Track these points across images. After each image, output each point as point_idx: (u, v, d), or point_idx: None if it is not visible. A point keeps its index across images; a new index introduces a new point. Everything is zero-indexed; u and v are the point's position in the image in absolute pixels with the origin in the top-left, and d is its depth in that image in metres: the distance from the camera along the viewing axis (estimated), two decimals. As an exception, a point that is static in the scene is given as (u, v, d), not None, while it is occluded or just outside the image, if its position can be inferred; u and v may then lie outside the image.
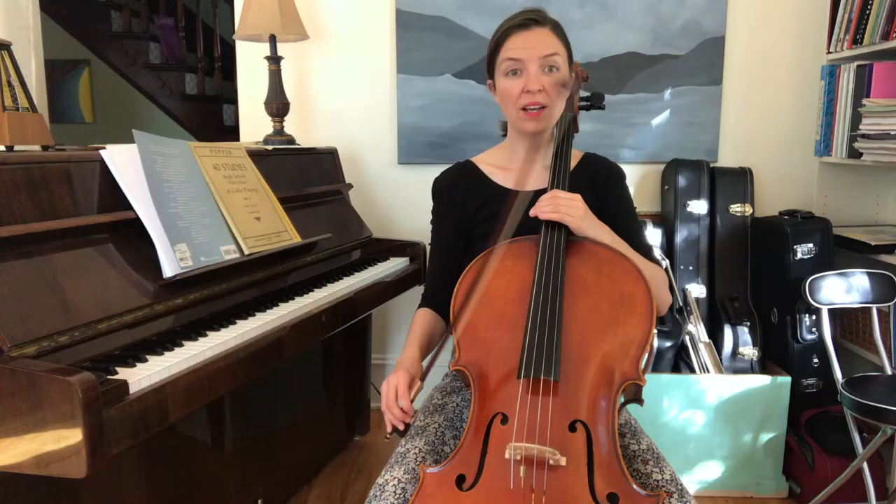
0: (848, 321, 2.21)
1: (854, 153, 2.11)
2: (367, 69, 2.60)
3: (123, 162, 1.39)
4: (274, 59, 2.28)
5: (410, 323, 1.41)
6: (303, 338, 1.55)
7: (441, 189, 1.46)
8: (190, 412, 1.19)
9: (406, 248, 2.29)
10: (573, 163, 1.42)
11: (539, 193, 1.40)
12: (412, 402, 1.19)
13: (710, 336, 2.27)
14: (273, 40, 2.26)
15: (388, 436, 1.22)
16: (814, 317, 2.08)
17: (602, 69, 2.48)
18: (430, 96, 2.55)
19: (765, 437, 2.08)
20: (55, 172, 1.27)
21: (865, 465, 1.78)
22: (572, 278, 1.20)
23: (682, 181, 2.39)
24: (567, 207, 1.22)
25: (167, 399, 1.13)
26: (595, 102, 1.49)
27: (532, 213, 1.25)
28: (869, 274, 1.90)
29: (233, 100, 3.02)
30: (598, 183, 1.41)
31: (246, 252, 1.58)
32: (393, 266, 2.14)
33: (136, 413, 1.07)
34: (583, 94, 1.48)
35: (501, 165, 1.45)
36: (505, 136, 1.51)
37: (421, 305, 1.43)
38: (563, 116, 1.41)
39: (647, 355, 1.14)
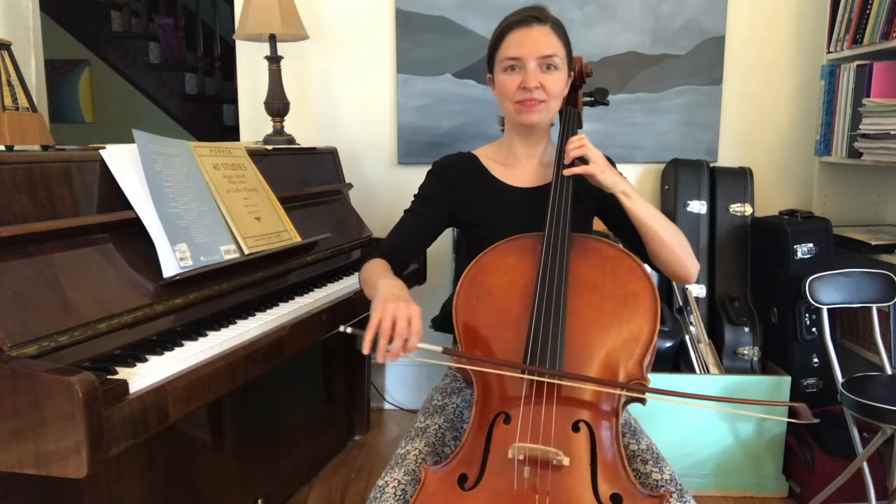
0: (848, 321, 2.21)
1: (854, 153, 2.11)
2: (367, 69, 2.60)
3: (123, 162, 1.39)
4: (274, 59, 2.28)
5: (370, 270, 1.32)
6: (303, 338, 1.55)
7: (441, 169, 1.45)
8: (190, 412, 1.19)
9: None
10: None
11: (537, 190, 1.40)
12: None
13: (710, 336, 2.27)
14: (273, 40, 2.26)
15: (369, 354, 1.09)
16: (814, 316, 2.08)
17: (602, 69, 2.48)
18: (430, 96, 2.55)
19: (765, 437, 2.08)
20: (55, 172, 1.27)
21: (865, 465, 1.78)
22: (576, 276, 1.20)
23: (682, 181, 2.39)
24: (594, 153, 1.28)
25: (167, 399, 1.13)
26: (599, 98, 1.49)
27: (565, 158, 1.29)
28: (869, 274, 1.90)
29: (233, 100, 3.01)
30: None
31: (246, 252, 1.58)
32: (393, 266, 2.14)
33: (136, 413, 1.06)
34: (585, 89, 1.48)
35: (499, 161, 1.45)
36: (503, 131, 1.51)
37: (372, 257, 1.38)
38: (568, 112, 1.41)
39: (650, 355, 1.14)
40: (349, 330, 1.09)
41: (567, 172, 1.28)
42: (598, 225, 1.49)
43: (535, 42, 1.29)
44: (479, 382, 1.14)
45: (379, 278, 1.23)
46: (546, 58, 1.30)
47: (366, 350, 1.06)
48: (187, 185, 1.50)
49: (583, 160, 1.27)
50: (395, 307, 1.08)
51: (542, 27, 1.30)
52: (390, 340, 1.06)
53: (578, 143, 1.27)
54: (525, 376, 1.09)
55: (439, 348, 1.10)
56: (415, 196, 1.45)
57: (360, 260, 2.17)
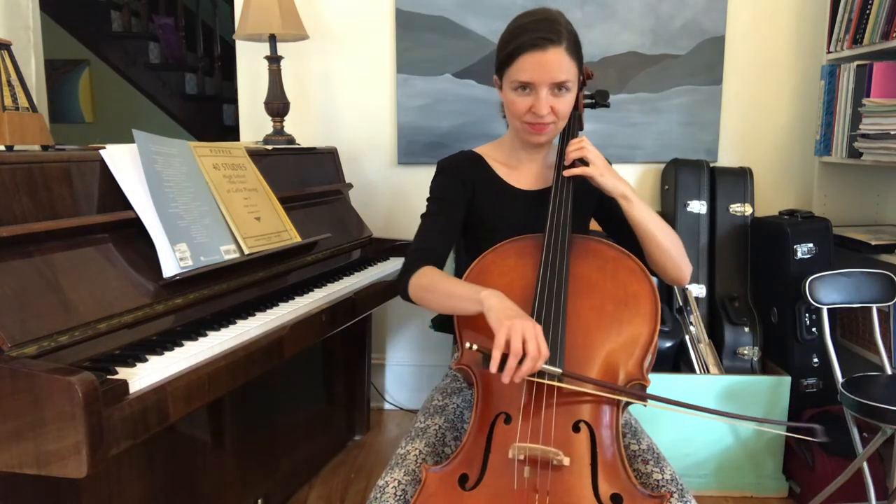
0: (848, 321, 2.21)
1: (854, 153, 2.11)
2: (367, 69, 2.60)
3: (123, 162, 1.39)
4: (274, 59, 2.28)
5: (433, 278, 1.24)
6: (303, 338, 1.55)
7: (449, 168, 1.43)
8: (190, 412, 1.19)
9: (406, 248, 2.28)
10: None
11: (541, 193, 1.40)
12: None
13: (710, 336, 2.27)
14: (273, 40, 2.26)
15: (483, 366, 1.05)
16: (814, 316, 2.08)
17: (602, 69, 2.48)
18: (430, 96, 2.55)
19: (765, 437, 2.08)
20: (55, 172, 1.27)
21: (865, 465, 1.78)
22: (576, 277, 1.20)
23: (682, 181, 2.39)
24: (594, 154, 1.27)
25: (167, 399, 1.13)
26: (600, 100, 1.49)
27: (566, 159, 1.29)
28: (869, 274, 1.90)
29: (233, 100, 3.02)
30: None
31: (246, 252, 1.58)
32: (393, 266, 2.14)
33: (136, 413, 1.06)
34: (586, 91, 1.48)
35: (503, 161, 1.44)
36: (504, 118, 1.51)
37: (419, 264, 1.29)
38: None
39: (651, 356, 1.14)
40: (475, 347, 1.07)
41: (567, 173, 1.28)
42: (593, 225, 1.49)
43: (548, 68, 1.24)
44: (480, 382, 1.14)
45: (474, 288, 1.15)
46: (559, 83, 1.26)
47: (494, 369, 1.02)
48: (187, 185, 1.50)
49: (583, 162, 1.27)
50: (523, 326, 1.02)
51: (556, 50, 1.24)
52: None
53: (578, 145, 1.27)
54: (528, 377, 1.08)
55: (559, 370, 1.07)
56: (429, 199, 1.42)
57: (361, 260, 2.17)
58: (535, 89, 1.27)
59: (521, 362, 1.01)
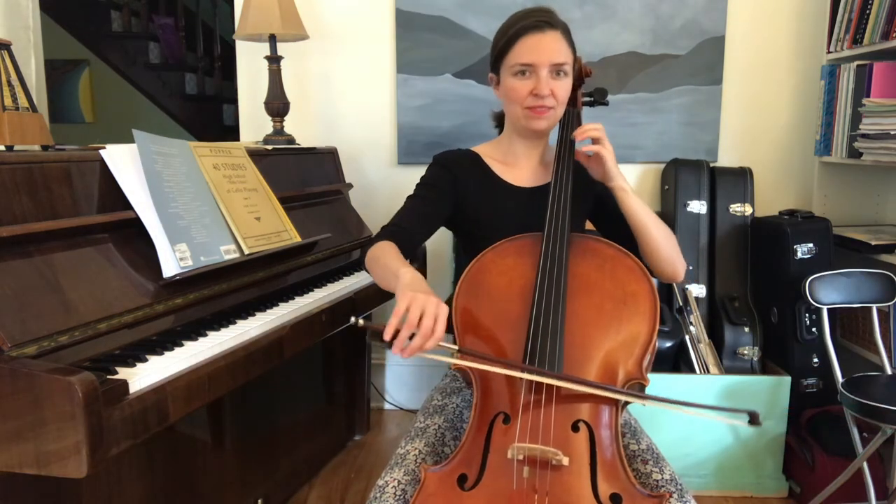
0: (848, 321, 2.21)
1: (854, 153, 2.11)
2: (367, 69, 2.60)
3: (123, 162, 1.39)
4: (274, 59, 2.28)
5: (382, 251, 1.25)
6: (303, 338, 1.55)
7: (445, 161, 1.45)
8: (190, 412, 1.19)
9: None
10: None
11: (538, 190, 1.40)
12: None
13: (710, 336, 2.27)
14: (273, 40, 2.26)
15: (382, 341, 1.04)
16: (814, 316, 2.08)
17: (602, 69, 2.48)
18: (430, 96, 2.55)
19: (765, 437, 2.08)
20: (55, 172, 1.27)
21: (865, 465, 1.78)
22: (575, 276, 1.20)
23: (682, 181, 2.39)
24: (607, 142, 1.28)
25: (167, 399, 1.13)
26: (598, 98, 1.50)
27: (577, 135, 1.30)
28: (869, 274, 1.90)
29: (233, 100, 3.02)
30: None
31: (246, 252, 1.58)
32: (393, 266, 2.13)
33: (136, 413, 1.06)
34: (585, 89, 1.48)
35: (500, 159, 1.45)
36: (497, 127, 1.51)
37: (383, 238, 1.32)
38: (567, 112, 1.41)
39: (650, 355, 1.14)
40: (361, 322, 1.05)
41: (584, 149, 1.30)
42: (588, 227, 1.49)
43: (548, 49, 1.29)
44: (479, 382, 1.14)
45: (401, 264, 1.17)
46: (558, 65, 1.30)
47: (388, 336, 1.01)
48: (187, 185, 1.50)
49: (596, 143, 1.29)
50: (425, 300, 1.02)
51: (554, 33, 1.30)
52: (412, 335, 1.01)
53: (596, 125, 1.29)
54: (525, 375, 1.08)
55: (455, 347, 1.07)
56: (418, 185, 1.44)
57: (361, 260, 2.17)
58: (536, 70, 1.29)
59: (413, 338, 1.02)
